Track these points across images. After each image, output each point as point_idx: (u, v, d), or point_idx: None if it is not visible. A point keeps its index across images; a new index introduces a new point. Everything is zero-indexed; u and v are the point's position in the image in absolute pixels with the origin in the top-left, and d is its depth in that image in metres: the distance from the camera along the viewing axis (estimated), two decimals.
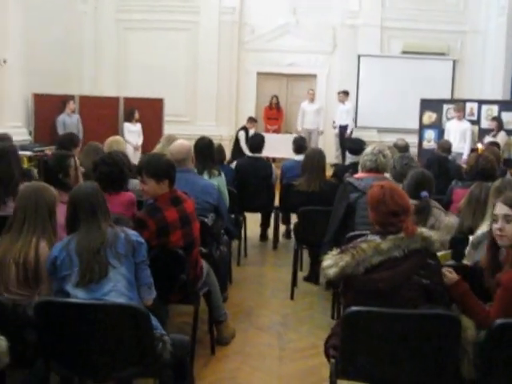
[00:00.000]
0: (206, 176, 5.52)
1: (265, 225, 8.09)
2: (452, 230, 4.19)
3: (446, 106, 12.68)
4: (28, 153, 10.03)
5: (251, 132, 12.35)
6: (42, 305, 2.82)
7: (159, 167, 3.95)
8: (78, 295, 2.92)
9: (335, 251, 3.09)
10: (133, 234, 3.16)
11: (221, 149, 7.02)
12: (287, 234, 8.14)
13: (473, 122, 11.84)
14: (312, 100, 14.14)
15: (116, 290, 2.96)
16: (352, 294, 3.07)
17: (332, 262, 3.02)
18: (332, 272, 3.00)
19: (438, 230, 4.13)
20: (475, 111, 12.26)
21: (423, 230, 3.11)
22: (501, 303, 2.91)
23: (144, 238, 3.29)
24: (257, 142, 7.69)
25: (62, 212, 3.30)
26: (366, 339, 2.86)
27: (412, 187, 4.48)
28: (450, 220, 4.27)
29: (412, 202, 4.22)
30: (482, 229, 3.84)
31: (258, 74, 15.33)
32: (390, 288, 2.95)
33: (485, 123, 11.99)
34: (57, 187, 3.82)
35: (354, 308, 2.84)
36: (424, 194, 4.39)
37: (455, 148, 9.80)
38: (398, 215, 3.08)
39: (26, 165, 9.09)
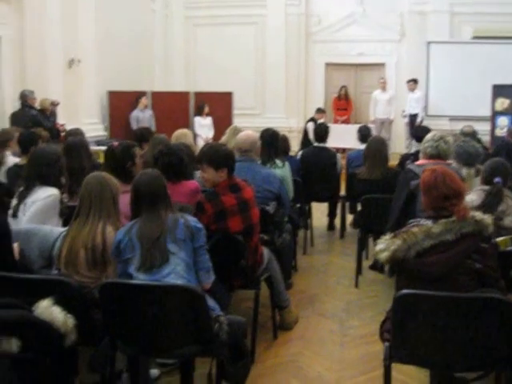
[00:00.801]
0: (269, 166, 5.60)
1: (332, 214, 8.12)
2: None
3: None
4: (104, 147, 10.35)
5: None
6: (106, 286, 3.00)
7: (218, 156, 4.09)
8: (140, 277, 3.07)
9: (388, 236, 3.13)
10: (192, 220, 3.27)
11: (285, 139, 7.09)
12: (355, 224, 8.13)
13: None
14: (384, 89, 14.00)
15: (175, 272, 3.08)
16: (404, 277, 3.11)
17: (384, 246, 3.07)
18: (384, 256, 3.06)
19: (508, 215, 4.10)
20: None
21: (476, 214, 3.10)
22: None
23: (203, 224, 3.41)
24: (321, 132, 7.72)
25: (125, 202, 3.49)
26: (417, 323, 2.87)
27: (487, 173, 4.43)
28: None
29: (484, 188, 4.21)
30: None
31: (326, 64, 15.31)
32: (441, 271, 2.97)
33: None
34: (121, 177, 4.06)
35: (404, 291, 2.87)
36: (497, 179, 4.33)
37: None
38: (449, 199, 3.09)
39: (101, 159, 9.44)
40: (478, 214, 3.09)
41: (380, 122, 13.76)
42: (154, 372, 3.74)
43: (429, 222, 3.07)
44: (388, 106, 13.90)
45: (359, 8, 14.79)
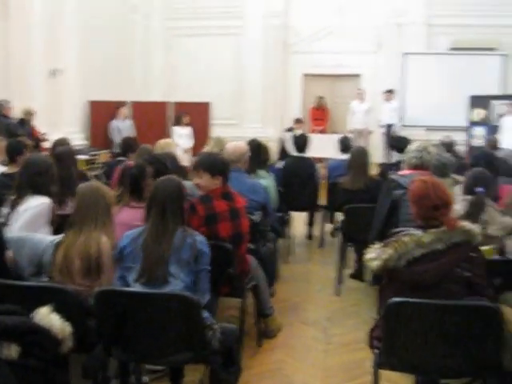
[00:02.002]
0: (255, 176, 5.70)
1: (311, 223, 8.19)
2: (508, 228, 4.13)
3: (495, 103, 12.50)
4: (84, 156, 10.41)
5: (297, 133, 12.45)
6: (101, 293, 3.01)
7: (216, 163, 4.23)
8: (136, 287, 3.11)
9: (378, 245, 3.19)
10: (200, 242, 3.27)
11: (267, 149, 7.14)
12: (333, 233, 8.21)
13: None
14: (361, 99, 14.10)
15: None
16: (395, 286, 3.15)
17: (375, 255, 3.12)
18: (375, 265, 3.10)
19: (492, 224, 4.18)
20: None
21: (465, 224, 3.17)
22: None
23: (193, 226, 3.50)
24: (302, 142, 7.82)
25: (136, 217, 3.58)
26: (408, 330, 2.93)
27: (469, 183, 4.51)
28: (506, 219, 4.27)
29: (466, 198, 4.30)
30: None
31: (304, 75, 15.42)
32: (432, 280, 3.03)
33: None
34: (136, 194, 4.14)
35: (396, 299, 2.92)
36: (479, 189, 4.43)
37: (509, 145, 9.69)
38: (439, 209, 3.15)
39: (84, 168, 9.51)
40: (467, 224, 3.17)
41: (358, 132, 13.88)
42: (144, 379, 3.76)
43: (419, 232, 3.13)
44: (366, 116, 14.02)
45: (336, 20, 14.90)
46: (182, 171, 5.68)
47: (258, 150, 6.02)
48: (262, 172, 5.87)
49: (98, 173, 10.40)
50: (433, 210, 3.16)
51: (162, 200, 3.25)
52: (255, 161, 5.81)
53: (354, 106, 14.14)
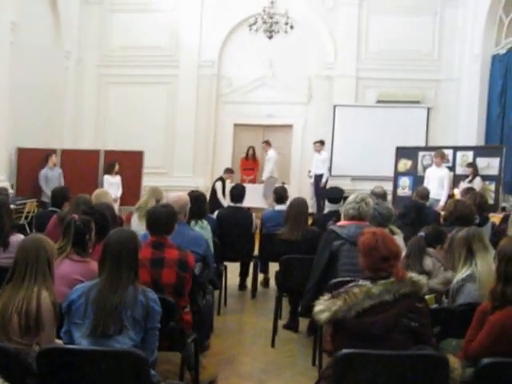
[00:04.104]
0: (195, 226, 5.70)
1: (244, 274, 8.16)
2: (449, 283, 4.24)
3: (421, 154, 12.87)
4: (11, 206, 10.01)
5: (228, 182, 12.54)
6: (45, 352, 2.89)
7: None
8: (83, 343, 3.00)
9: (326, 297, 3.19)
10: (151, 300, 3.23)
11: (205, 200, 7.13)
12: (265, 283, 8.21)
13: (448, 169, 11.90)
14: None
15: None
16: (343, 337, 3.16)
17: (324, 307, 3.13)
18: (324, 316, 3.11)
19: (434, 277, 4.37)
20: (450, 157, 12.32)
21: (412, 275, 3.24)
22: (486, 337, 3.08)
23: None
24: (238, 193, 7.82)
25: (78, 271, 3.56)
26: (358, 381, 2.94)
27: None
28: (447, 274, 4.40)
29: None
30: (462, 273, 4.01)
31: (235, 125, 15.56)
32: (380, 331, 3.06)
33: (460, 169, 12.06)
34: (79, 248, 4.03)
35: (345, 350, 2.93)
36: (420, 233, 4.67)
37: (434, 194, 10.02)
38: (388, 260, 3.22)
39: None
40: (415, 275, 3.24)
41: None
42: None
43: (367, 283, 3.17)
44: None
45: (269, 71, 15.23)
46: (118, 222, 5.61)
47: (199, 201, 6.02)
48: (201, 222, 5.85)
49: (23, 222, 10.13)
50: (382, 262, 3.22)
51: (117, 251, 3.20)
52: (196, 211, 5.81)
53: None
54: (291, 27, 12.30)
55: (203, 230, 5.77)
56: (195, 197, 5.96)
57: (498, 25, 13.30)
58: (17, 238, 4.76)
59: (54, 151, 12.20)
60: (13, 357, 2.87)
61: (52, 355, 2.90)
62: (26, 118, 12.10)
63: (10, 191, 11.48)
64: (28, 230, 8.93)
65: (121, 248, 3.22)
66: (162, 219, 4.30)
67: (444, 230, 4.95)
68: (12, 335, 3.13)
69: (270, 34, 12.45)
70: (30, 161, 11.92)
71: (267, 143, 14.27)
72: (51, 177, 11.72)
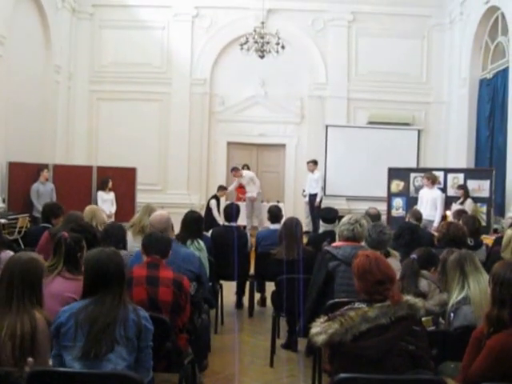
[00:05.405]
0: (190, 246, 5.68)
1: (240, 293, 8.12)
2: (445, 305, 4.24)
3: (413, 175, 12.94)
4: (2, 220, 9.99)
5: (222, 200, 12.55)
6: (35, 375, 2.83)
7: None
8: (75, 366, 2.95)
9: (323, 319, 3.17)
10: (143, 318, 3.19)
11: (202, 219, 7.13)
12: (262, 302, 8.17)
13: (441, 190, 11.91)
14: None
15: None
16: (340, 360, 3.14)
17: (320, 329, 3.10)
18: (320, 339, 3.08)
19: (429, 299, 4.35)
20: (442, 179, 12.37)
21: (409, 298, 3.22)
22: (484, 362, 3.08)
23: None
24: (232, 212, 7.81)
25: (70, 289, 3.54)
26: None
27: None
28: (443, 296, 4.40)
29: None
30: (457, 295, 4.02)
31: (228, 143, 15.57)
32: (377, 355, 3.04)
33: (451, 191, 12.11)
34: (71, 266, 3.99)
35: (342, 375, 2.91)
36: (413, 256, 4.66)
37: (426, 216, 10.03)
38: (383, 283, 3.20)
39: None
40: (411, 298, 3.22)
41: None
42: None
43: (363, 306, 3.16)
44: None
45: (261, 90, 15.30)
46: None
47: (199, 222, 6.09)
48: (197, 243, 5.84)
49: (16, 237, 10.07)
50: (377, 285, 3.20)
51: (104, 271, 3.16)
52: (194, 231, 5.86)
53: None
54: (282, 47, 12.32)
55: (199, 251, 5.74)
56: (194, 218, 6.05)
57: (485, 49, 13.48)
58: (6, 254, 4.69)
59: (45, 166, 12.12)
60: (4, 379, 2.81)
61: (44, 378, 2.84)
62: (17, 132, 12.02)
63: (2, 205, 11.47)
64: (22, 245, 8.84)
65: (112, 265, 3.19)
66: (158, 244, 4.36)
67: (437, 252, 4.95)
68: (4, 360, 3.00)
69: (262, 53, 12.46)
70: (21, 175, 11.81)
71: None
72: (43, 191, 11.64)
